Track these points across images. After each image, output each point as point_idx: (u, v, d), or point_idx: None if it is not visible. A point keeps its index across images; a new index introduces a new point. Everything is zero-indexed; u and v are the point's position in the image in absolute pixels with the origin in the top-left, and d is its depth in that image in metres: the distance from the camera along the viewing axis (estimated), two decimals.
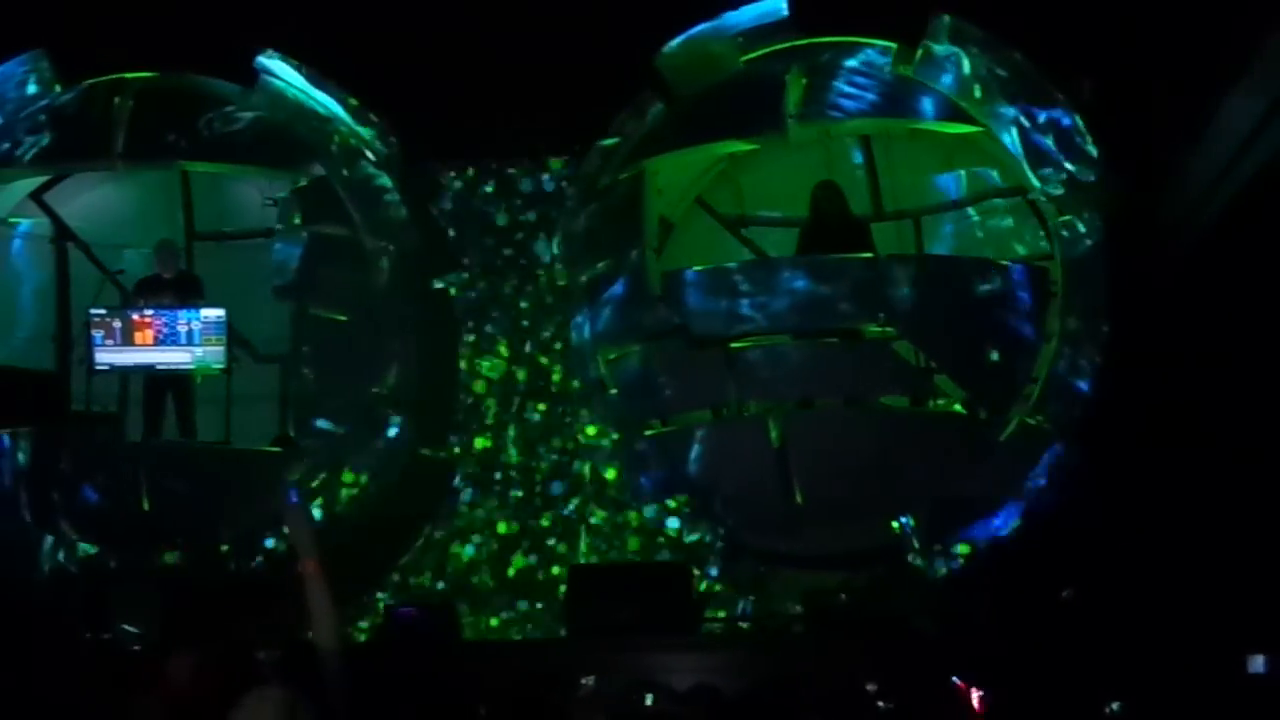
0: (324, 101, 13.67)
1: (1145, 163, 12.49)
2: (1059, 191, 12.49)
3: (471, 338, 13.92)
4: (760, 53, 13.09)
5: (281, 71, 13.53)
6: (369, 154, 13.67)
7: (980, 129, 12.84)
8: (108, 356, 13.30)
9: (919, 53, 12.69)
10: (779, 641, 12.31)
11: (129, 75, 13.54)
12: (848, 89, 12.76)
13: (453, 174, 14.11)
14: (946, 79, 12.71)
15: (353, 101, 13.65)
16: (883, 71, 12.81)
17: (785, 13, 12.95)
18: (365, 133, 13.68)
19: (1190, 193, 12.10)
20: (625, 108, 13.42)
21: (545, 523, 13.65)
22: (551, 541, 13.59)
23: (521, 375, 13.85)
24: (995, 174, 13.33)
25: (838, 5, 12.97)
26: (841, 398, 12.99)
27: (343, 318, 13.51)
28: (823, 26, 12.97)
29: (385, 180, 13.64)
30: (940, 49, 12.65)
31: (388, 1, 13.47)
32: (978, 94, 12.69)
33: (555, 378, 13.84)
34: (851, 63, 12.87)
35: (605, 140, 13.43)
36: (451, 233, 14.00)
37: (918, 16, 12.74)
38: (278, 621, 10.75)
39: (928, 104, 12.80)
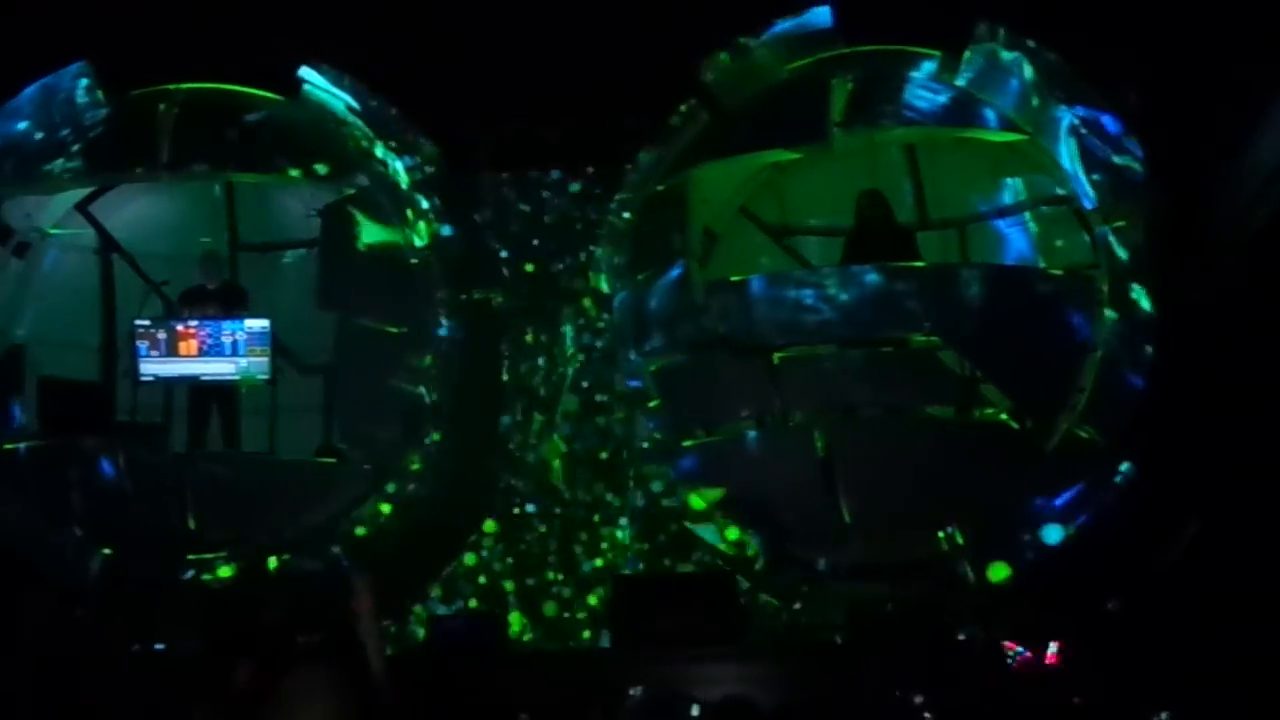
0: (365, 111, 13.66)
1: (1189, 171, 12.40)
2: (1107, 199, 12.41)
3: (512, 348, 13.90)
4: (805, 62, 13.05)
5: (324, 81, 13.53)
6: (410, 164, 13.65)
7: (1026, 136, 12.80)
8: (153, 367, 13.34)
9: (982, 57, 12.61)
10: (824, 653, 12.23)
11: (173, 86, 13.53)
12: (921, 93, 12.71)
13: (494, 183, 14.06)
14: (1013, 84, 12.65)
15: (394, 111, 13.63)
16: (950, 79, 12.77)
17: (829, 22, 12.92)
18: (406, 142, 13.66)
19: (1235, 201, 12.01)
20: (669, 116, 13.39)
21: (584, 534, 13.63)
22: (600, 550, 13.56)
23: (564, 385, 13.82)
24: (1041, 181, 13.22)
25: (881, 14, 12.90)
26: (887, 407, 12.92)
27: (386, 328, 13.54)
28: (866, 35, 12.94)
29: (426, 191, 13.62)
30: (1006, 55, 12.57)
31: (428, 11, 13.44)
32: (1035, 101, 12.63)
33: (596, 386, 13.83)
34: (920, 70, 12.82)
35: (648, 149, 13.40)
36: (493, 243, 13.97)
37: (961, 25, 12.68)
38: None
39: (989, 112, 12.75)
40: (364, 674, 6.36)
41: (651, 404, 13.16)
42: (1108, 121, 12.40)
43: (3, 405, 13.51)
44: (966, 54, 12.63)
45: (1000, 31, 12.62)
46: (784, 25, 13.09)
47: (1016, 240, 13.50)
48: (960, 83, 12.69)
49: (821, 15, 12.94)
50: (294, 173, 13.60)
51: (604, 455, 13.61)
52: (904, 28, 12.86)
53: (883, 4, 12.87)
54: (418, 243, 13.51)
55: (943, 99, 12.75)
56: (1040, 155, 12.95)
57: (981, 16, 12.61)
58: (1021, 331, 12.46)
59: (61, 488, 13.27)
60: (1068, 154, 12.51)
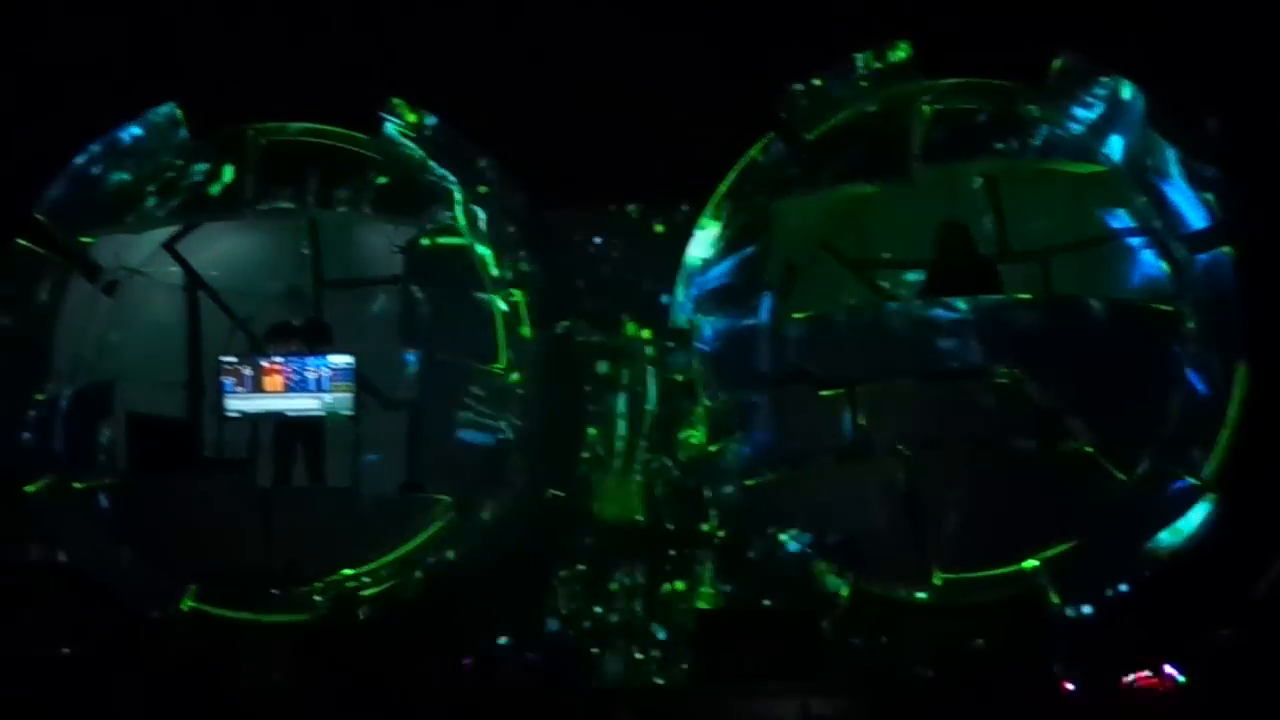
0: (447, 147, 13.73)
1: (1274, 200, 12.31)
2: (1196, 228, 12.33)
3: (593, 384, 13.94)
4: (887, 94, 13.07)
5: (407, 120, 13.62)
6: (492, 199, 13.72)
7: (1108, 167, 12.74)
8: (238, 403, 13.48)
9: (1104, 90, 12.57)
10: (910, 689, 12.16)
11: (258, 125, 13.67)
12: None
13: (574, 219, 14.11)
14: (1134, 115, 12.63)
15: (476, 148, 13.70)
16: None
17: (909, 55, 12.91)
18: (489, 178, 13.72)
19: None
20: (748, 150, 13.41)
21: (666, 568, 13.61)
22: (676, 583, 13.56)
23: (645, 418, 13.84)
24: (1125, 213, 13.13)
25: (960, 46, 12.86)
26: (971, 440, 12.84)
27: (467, 364, 13.59)
28: (945, 68, 12.92)
29: (509, 226, 13.69)
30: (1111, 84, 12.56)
31: (509, 50, 13.54)
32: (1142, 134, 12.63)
33: (677, 421, 13.84)
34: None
35: (727, 183, 13.42)
36: (574, 279, 14.01)
37: (1041, 56, 12.63)
38: None
39: (1116, 142, 12.71)
40: None
41: (734, 438, 13.15)
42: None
43: (92, 442, 13.66)
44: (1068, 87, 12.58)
45: (1081, 62, 12.58)
46: (862, 57, 13.11)
47: (1099, 271, 13.39)
48: (1092, 116, 12.64)
49: (901, 48, 12.96)
50: (376, 209, 13.71)
51: (686, 489, 13.59)
52: (981, 59, 12.83)
53: (961, 36, 12.83)
54: (499, 278, 13.58)
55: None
56: (1121, 186, 12.87)
57: (1058, 47, 12.58)
58: (1106, 364, 12.37)
59: (148, 524, 13.43)
60: (1179, 181, 12.47)
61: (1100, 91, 12.59)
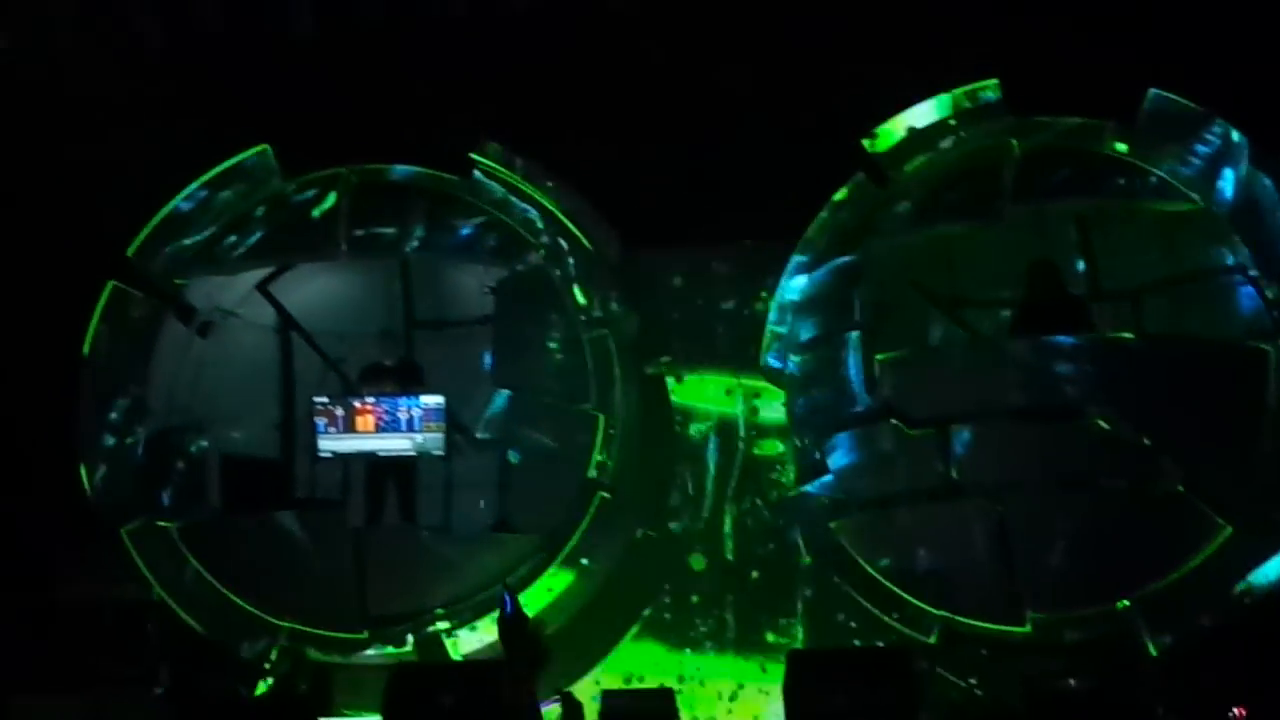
0: (536, 191, 13.84)
1: None
2: None
3: (684, 423, 13.97)
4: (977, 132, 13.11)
5: (496, 162, 13.72)
6: (583, 240, 13.79)
7: (1199, 205, 12.70)
8: (331, 444, 13.61)
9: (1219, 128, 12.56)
10: None
11: (348, 167, 13.80)
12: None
13: (666, 259, 14.17)
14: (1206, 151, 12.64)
15: (567, 188, 13.80)
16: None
17: (997, 95, 12.92)
18: (579, 219, 13.80)
19: None
20: (836, 190, 13.45)
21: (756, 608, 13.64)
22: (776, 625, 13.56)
23: (736, 460, 13.86)
24: (1219, 251, 13.05)
25: (1049, 85, 12.85)
26: (1063, 478, 12.77)
27: (558, 404, 13.67)
28: (1035, 106, 12.92)
29: (599, 267, 13.76)
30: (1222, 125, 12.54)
31: (600, 90, 13.63)
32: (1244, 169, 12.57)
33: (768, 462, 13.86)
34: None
35: (817, 223, 13.44)
36: (666, 318, 14.06)
37: (1130, 93, 12.62)
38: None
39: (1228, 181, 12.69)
40: None
41: (825, 478, 13.16)
42: None
43: (189, 483, 13.80)
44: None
45: (1173, 99, 12.56)
46: (950, 96, 13.13)
47: (1189, 310, 13.32)
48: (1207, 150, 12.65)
49: (989, 87, 12.99)
50: (467, 251, 13.83)
51: (777, 529, 13.60)
52: (1070, 97, 12.82)
53: (1051, 75, 12.82)
54: (590, 319, 13.65)
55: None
56: (1212, 225, 12.81)
57: (1147, 84, 12.56)
58: (1197, 404, 12.29)
59: (241, 563, 13.55)
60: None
61: (1216, 129, 12.54)
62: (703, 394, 14.00)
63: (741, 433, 13.89)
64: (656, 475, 13.94)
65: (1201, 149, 12.62)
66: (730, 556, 13.75)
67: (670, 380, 14.00)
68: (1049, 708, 11.77)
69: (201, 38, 14.17)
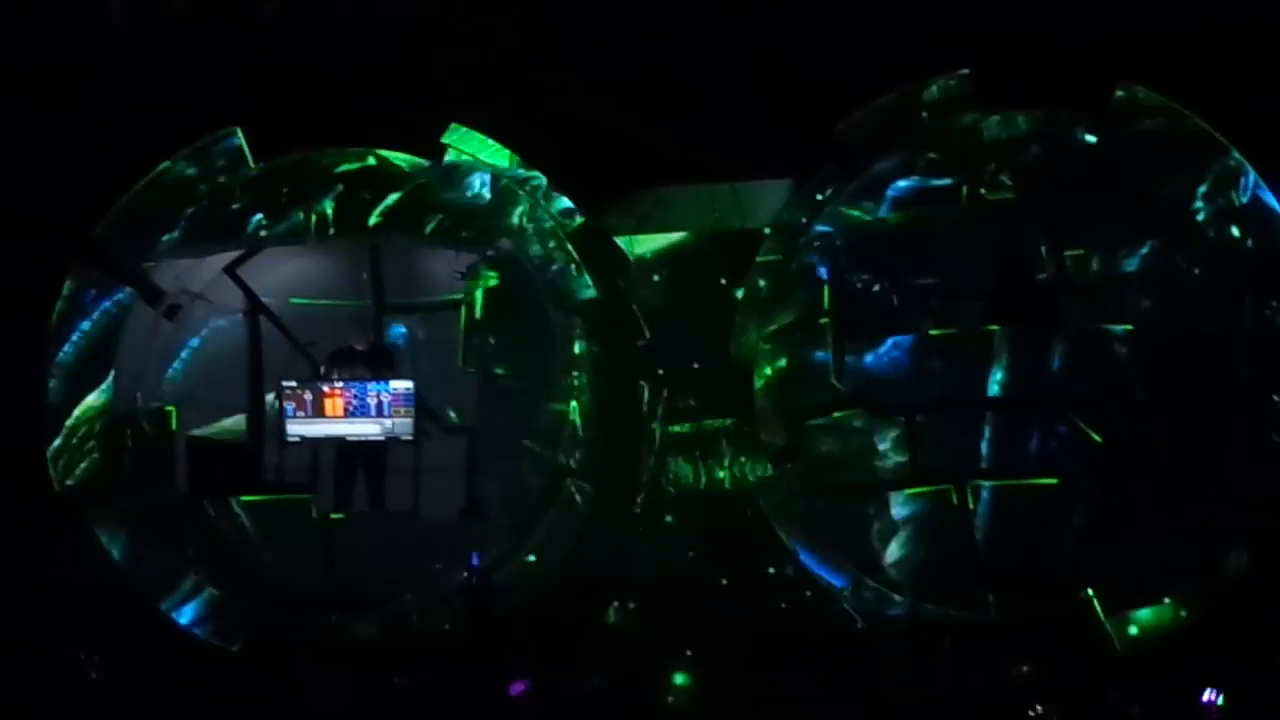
0: (509, 175, 13.81)
1: None
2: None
3: (654, 408, 13.97)
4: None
5: (468, 145, 13.69)
6: (553, 226, 13.78)
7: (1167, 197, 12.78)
8: (299, 428, 13.56)
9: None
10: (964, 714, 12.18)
11: (319, 151, 13.76)
12: None
13: (634, 242, 14.14)
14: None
15: (538, 174, 13.77)
16: None
17: (969, 85, 12.96)
18: (550, 205, 13.80)
19: None
20: (808, 177, 13.46)
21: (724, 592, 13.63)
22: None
23: (709, 442, 13.88)
24: (1184, 239, 13.12)
25: (1020, 75, 12.90)
26: (1028, 466, 12.85)
27: (527, 388, 13.66)
28: (1006, 97, 12.97)
29: (570, 251, 13.75)
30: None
31: (567, 75, 13.57)
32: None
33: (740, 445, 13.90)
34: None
35: (787, 209, 13.48)
36: (635, 303, 14.05)
37: (1101, 85, 12.68)
38: None
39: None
40: None
41: (791, 465, 13.20)
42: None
43: (153, 466, 13.74)
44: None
45: (1139, 90, 12.64)
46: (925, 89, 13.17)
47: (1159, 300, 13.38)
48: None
49: (961, 77, 13.02)
50: (436, 235, 13.80)
51: (749, 514, 13.62)
52: (1042, 87, 12.87)
53: (1022, 67, 12.87)
54: (561, 304, 13.64)
55: None
56: (1184, 214, 12.90)
57: (1120, 78, 12.64)
58: (1164, 393, 12.39)
59: (208, 547, 13.53)
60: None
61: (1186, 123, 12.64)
62: (676, 379, 13.96)
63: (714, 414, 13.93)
64: (626, 459, 13.89)
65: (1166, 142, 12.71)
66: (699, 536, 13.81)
67: (640, 364, 13.98)
68: (1010, 692, 11.89)
69: (169, 19, 14.06)
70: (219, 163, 13.72)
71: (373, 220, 13.71)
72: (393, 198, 13.70)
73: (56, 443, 13.50)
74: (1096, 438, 12.45)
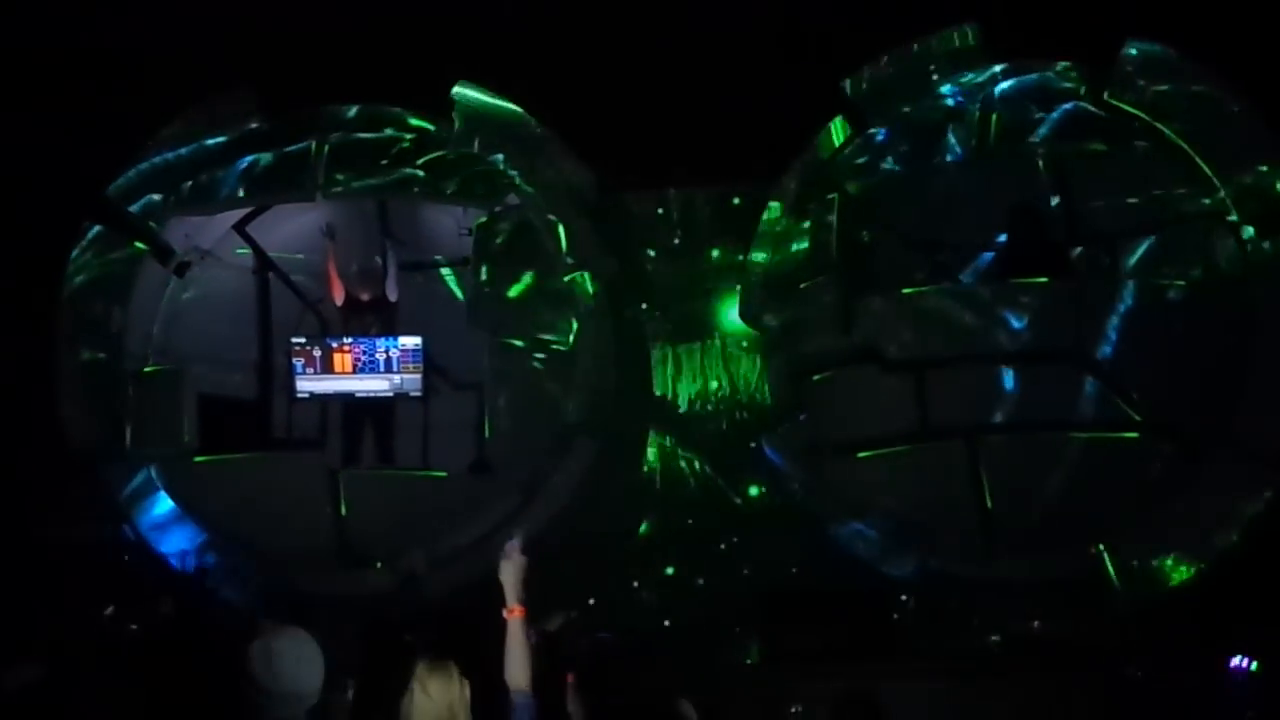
0: (518, 132, 13.78)
1: None
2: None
3: (661, 366, 13.99)
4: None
5: (477, 102, 13.66)
6: (561, 183, 13.76)
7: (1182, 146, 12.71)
8: (308, 384, 13.60)
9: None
10: (977, 671, 12.15)
11: (328, 107, 13.79)
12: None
13: (644, 201, 14.19)
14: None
15: (546, 130, 13.74)
16: None
17: (976, 39, 12.90)
18: (558, 162, 13.77)
19: None
20: (815, 134, 13.42)
21: (724, 548, 13.69)
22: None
23: (713, 401, 13.88)
24: (1195, 195, 13.04)
25: (1028, 30, 12.83)
26: (1038, 422, 12.81)
27: (535, 345, 13.68)
28: (1013, 52, 12.91)
29: (578, 209, 13.73)
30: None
31: (579, 33, 13.54)
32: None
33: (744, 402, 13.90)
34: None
35: (795, 166, 13.43)
36: (643, 261, 14.05)
37: (1108, 38, 12.61)
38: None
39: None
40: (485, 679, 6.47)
41: (800, 416, 13.19)
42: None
43: (165, 422, 13.78)
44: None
45: (1147, 45, 12.57)
46: (931, 41, 13.11)
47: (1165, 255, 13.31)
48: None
49: (968, 33, 12.95)
50: (445, 192, 13.80)
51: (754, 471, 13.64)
52: (1049, 42, 12.81)
53: (1028, 21, 12.80)
54: (568, 260, 13.60)
55: None
56: (1192, 167, 12.81)
57: (1127, 30, 12.56)
58: (1173, 347, 12.33)
59: (217, 503, 13.58)
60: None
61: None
62: (680, 336, 14.03)
63: (718, 371, 13.90)
64: (634, 416, 13.93)
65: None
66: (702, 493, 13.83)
67: (647, 322, 13.99)
68: (1020, 648, 11.87)
69: None
70: (226, 120, 13.70)
71: (383, 178, 13.69)
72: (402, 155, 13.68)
73: (68, 400, 13.53)
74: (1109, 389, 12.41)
